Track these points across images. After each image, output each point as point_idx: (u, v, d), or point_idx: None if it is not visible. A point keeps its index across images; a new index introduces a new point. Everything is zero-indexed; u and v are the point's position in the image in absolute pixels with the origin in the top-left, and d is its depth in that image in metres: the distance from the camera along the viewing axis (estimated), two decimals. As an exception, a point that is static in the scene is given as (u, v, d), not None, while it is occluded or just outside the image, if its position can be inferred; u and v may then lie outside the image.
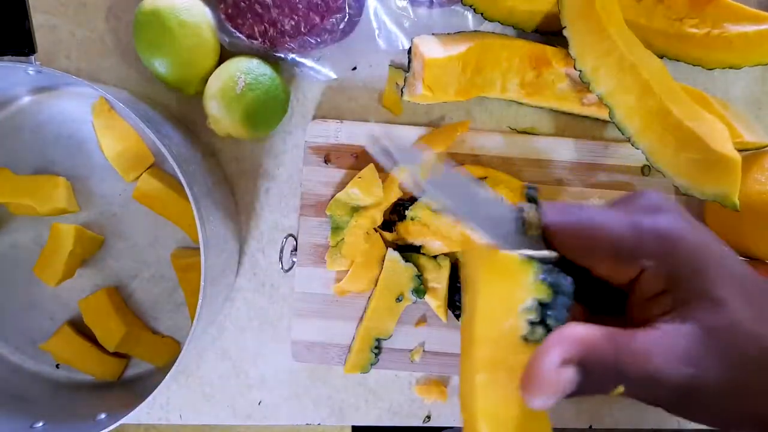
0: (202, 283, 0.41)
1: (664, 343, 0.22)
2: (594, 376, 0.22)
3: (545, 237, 0.28)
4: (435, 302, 0.49)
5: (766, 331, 0.23)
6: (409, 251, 0.50)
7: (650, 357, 0.22)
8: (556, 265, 0.27)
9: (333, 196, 0.50)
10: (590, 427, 0.54)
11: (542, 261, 0.26)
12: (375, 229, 0.50)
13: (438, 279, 0.49)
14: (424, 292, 0.49)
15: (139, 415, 0.53)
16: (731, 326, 0.23)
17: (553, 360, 0.22)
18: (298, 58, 0.49)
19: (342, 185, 0.50)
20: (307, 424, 0.53)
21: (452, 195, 0.29)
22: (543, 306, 0.25)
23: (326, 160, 0.51)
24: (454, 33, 0.49)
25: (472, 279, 0.28)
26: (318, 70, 0.51)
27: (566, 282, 0.25)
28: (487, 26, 0.51)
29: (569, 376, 0.21)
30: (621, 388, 0.22)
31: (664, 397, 0.23)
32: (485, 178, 0.49)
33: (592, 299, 0.29)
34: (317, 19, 0.47)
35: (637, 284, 0.25)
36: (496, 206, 0.28)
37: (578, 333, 0.22)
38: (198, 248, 0.41)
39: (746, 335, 0.22)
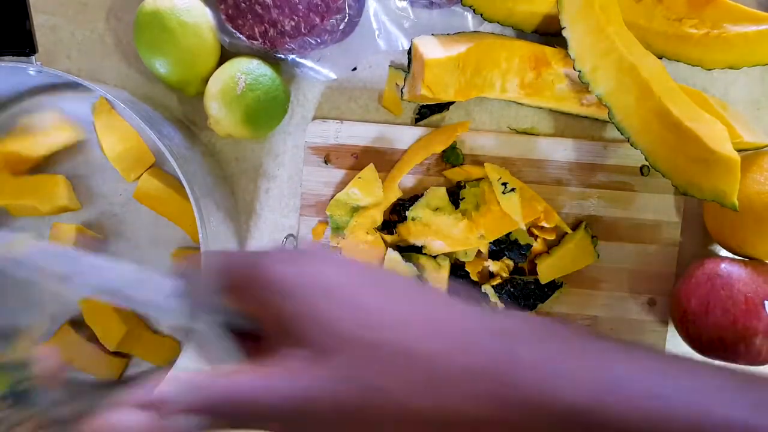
0: (202, 282, 0.41)
1: (279, 373, 0.23)
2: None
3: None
4: (435, 302, 0.49)
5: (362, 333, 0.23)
6: (409, 251, 0.50)
7: (257, 403, 0.22)
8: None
9: (333, 196, 0.50)
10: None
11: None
12: (375, 229, 0.50)
13: (438, 279, 0.49)
14: (424, 292, 0.49)
15: (139, 414, 0.53)
16: (334, 338, 0.23)
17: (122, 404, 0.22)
18: (298, 59, 0.50)
19: (342, 185, 0.50)
20: (307, 423, 0.53)
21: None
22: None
23: (326, 161, 0.51)
24: (454, 33, 0.49)
25: None
26: (318, 70, 0.51)
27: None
28: (487, 27, 0.51)
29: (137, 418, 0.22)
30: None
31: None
32: (484, 178, 0.49)
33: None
34: (317, 20, 0.47)
35: None
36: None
37: (143, 396, 0.22)
38: (198, 248, 0.41)
39: (348, 342, 0.23)
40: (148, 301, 0.26)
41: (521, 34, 0.51)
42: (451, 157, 0.50)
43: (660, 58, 0.48)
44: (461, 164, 0.50)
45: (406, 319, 0.24)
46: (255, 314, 0.26)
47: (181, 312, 0.26)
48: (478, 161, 0.51)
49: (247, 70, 0.46)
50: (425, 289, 0.26)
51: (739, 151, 0.43)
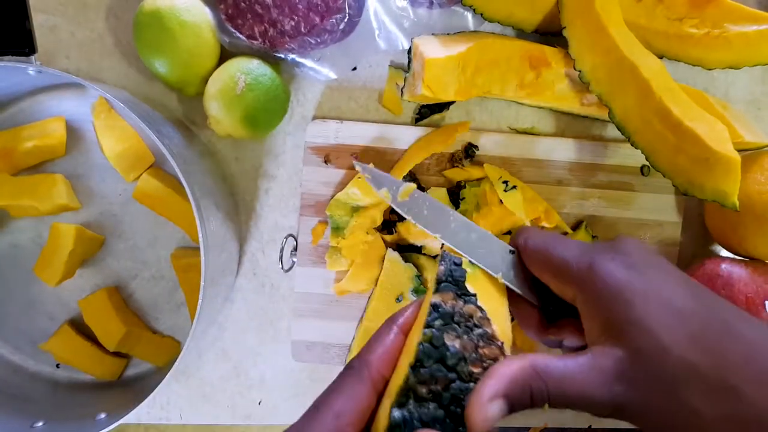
0: (202, 283, 0.41)
1: (590, 366, 0.25)
2: (521, 404, 0.25)
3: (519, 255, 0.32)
4: (435, 302, 0.49)
5: (697, 358, 0.24)
6: (409, 251, 0.50)
7: (573, 380, 0.25)
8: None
9: (333, 196, 0.50)
10: (589, 427, 0.54)
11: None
12: (375, 229, 0.50)
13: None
14: (424, 292, 0.49)
15: (139, 414, 0.53)
16: (659, 350, 0.24)
17: (482, 397, 0.24)
18: (298, 59, 0.50)
19: (342, 185, 0.50)
20: (307, 424, 0.53)
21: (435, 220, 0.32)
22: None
23: (326, 161, 0.51)
24: (454, 33, 0.49)
25: None
26: (318, 70, 0.51)
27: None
28: (487, 26, 0.51)
29: (495, 409, 0.24)
30: (546, 407, 0.25)
31: (597, 412, 0.25)
32: (485, 178, 0.49)
33: (555, 308, 0.31)
34: (317, 20, 0.47)
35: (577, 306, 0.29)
36: (489, 238, 0.32)
37: (504, 371, 0.25)
38: (198, 248, 0.41)
39: (675, 359, 0.24)
40: (490, 260, 0.31)
41: (521, 33, 0.51)
42: (469, 150, 0.50)
43: (660, 57, 0.48)
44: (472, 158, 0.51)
45: (742, 365, 0.24)
46: (575, 303, 0.28)
47: (512, 279, 0.31)
48: (478, 161, 0.51)
49: (247, 70, 0.46)
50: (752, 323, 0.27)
51: (739, 150, 0.43)
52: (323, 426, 0.25)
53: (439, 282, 0.28)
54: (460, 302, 0.27)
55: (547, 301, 0.31)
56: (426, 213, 0.33)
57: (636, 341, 0.25)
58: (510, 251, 0.31)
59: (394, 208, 0.32)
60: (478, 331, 0.27)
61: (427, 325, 0.26)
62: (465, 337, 0.26)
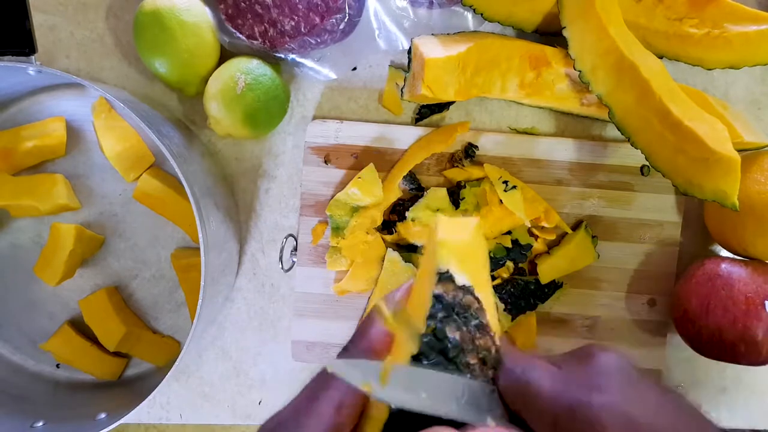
0: (202, 283, 0.41)
1: None
2: None
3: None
4: (435, 302, 0.49)
5: None
6: (408, 251, 0.50)
7: None
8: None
9: (333, 196, 0.50)
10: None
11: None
12: (375, 229, 0.50)
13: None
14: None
15: (139, 414, 0.53)
16: None
17: None
18: (298, 59, 0.50)
19: (342, 185, 0.50)
20: (307, 423, 0.53)
21: (418, 392, 0.27)
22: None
23: (326, 161, 0.51)
24: (454, 33, 0.49)
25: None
26: (318, 70, 0.51)
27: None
28: (487, 26, 0.51)
29: None
30: None
31: None
32: (485, 178, 0.49)
33: None
34: (317, 20, 0.47)
35: None
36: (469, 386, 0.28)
37: None
38: (198, 248, 0.41)
39: None
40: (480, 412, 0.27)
41: (521, 33, 0.51)
42: (469, 150, 0.50)
43: (660, 57, 0.48)
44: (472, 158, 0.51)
45: None
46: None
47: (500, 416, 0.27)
48: (478, 161, 0.51)
49: (247, 70, 0.46)
50: None
51: (739, 150, 0.43)
52: (322, 418, 0.24)
53: (440, 273, 0.28)
54: (460, 293, 0.27)
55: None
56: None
57: None
58: (492, 391, 0.28)
59: (380, 400, 0.26)
60: (474, 322, 0.27)
61: (430, 317, 0.26)
62: (464, 328, 0.26)
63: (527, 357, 0.28)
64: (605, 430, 0.24)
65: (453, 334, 0.26)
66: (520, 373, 0.27)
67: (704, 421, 0.26)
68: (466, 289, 0.27)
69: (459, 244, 0.29)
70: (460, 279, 0.27)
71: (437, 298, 0.27)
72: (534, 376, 0.27)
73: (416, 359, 0.25)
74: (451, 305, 0.27)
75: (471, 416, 0.27)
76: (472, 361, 0.26)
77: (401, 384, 0.26)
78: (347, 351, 0.27)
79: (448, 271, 0.27)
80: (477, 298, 0.27)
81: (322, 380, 0.26)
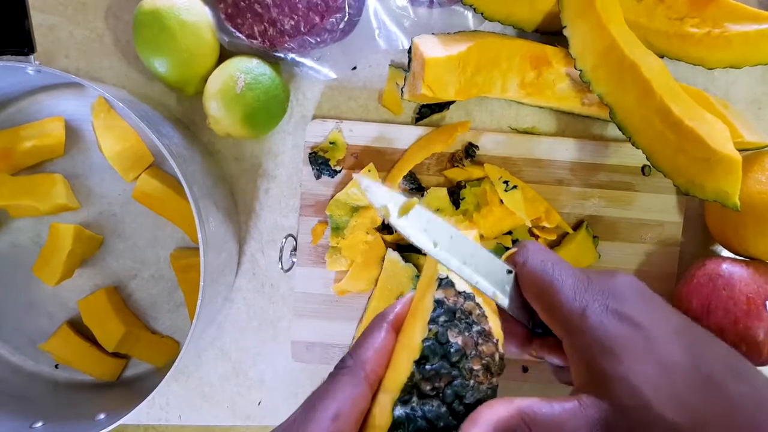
0: (201, 283, 0.41)
1: (578, 415, 0.25)
2: None
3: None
4: (435, 302, 0.49)
5: (679, 418, 0.24)
6: (408, 251, 0.50)
7: (561, 428, 0.24)
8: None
9: (333, 196, 0.50)
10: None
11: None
12: (375, 229, 0.50)
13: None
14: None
15: (138, 415, 0.53)
16: (642, 409, 0.24)
17: None
18: (297, 58, 0.49)
19: (342, 185, 0.50)
20: (306, 424, 0.53)
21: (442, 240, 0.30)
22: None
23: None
24: (454, 33, 0.49)
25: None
26: (318, 69, 0.50)
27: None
28: (487, 26, 0.50)
29: None
30: None
31: None
32: (485, 178, 0.49)
33: (544, 332, 0.31)
34: (317, 19, 0.47)
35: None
36: (487, 257, 0.30)
37: (489, 417, 0.24)
38: (197, 248, 0.41)
39: (657, 419, 0.24)
40: (487, 280, 0.29)
41: (522, 33, 0.50)
42: (469, 150, 0.50)
43: (661, 57, 0.47)
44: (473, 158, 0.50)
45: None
46: (562, 341, 0.28)
47: (506, 300, 0.30)
48: (478, 161, 0.50)
49: (247, 70, 0.46)
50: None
51: (740, 150, 0.43)
52: (320, 427, 0.25)
53: (440, 278, 0.28)
54: (461, 299, 0.27)
55: (537, 324, 0.31)
56: (425, 230, 0.30)
57: (621, 398, 0.25)
58: (508, 271, 0.31)
59: (392, 226, 0.29)
60: (476, 328, 0.27)
61: (432, 321, 0.26)
62: (466, 333, 0.26)
63: (554, 254, 0.31)
64: (611, 339, 0.26)
65: (455, 338, 0.26)
66: (545, 265, 0.29)
67: (706, 335, 0.28)
68: (467, 296, 0.27)
69: None
70: (461, 285, 0.28)
71: (438, 302, 0.27)
72: (558, 271, 0.29)
73: (419, 363, 0.25)
74: (452, 310, 0.27)
75: (481, 286, 0.29)
76: (476, 366, 0.26)
77: (417, 223, 0.29)
78: (345, 362, 0.28)
79: (447, 277, 0.28)
80: (478, 304, 0.27)
81: (320, 392, 0.26)
